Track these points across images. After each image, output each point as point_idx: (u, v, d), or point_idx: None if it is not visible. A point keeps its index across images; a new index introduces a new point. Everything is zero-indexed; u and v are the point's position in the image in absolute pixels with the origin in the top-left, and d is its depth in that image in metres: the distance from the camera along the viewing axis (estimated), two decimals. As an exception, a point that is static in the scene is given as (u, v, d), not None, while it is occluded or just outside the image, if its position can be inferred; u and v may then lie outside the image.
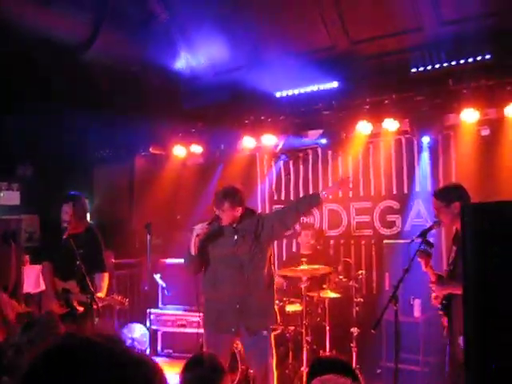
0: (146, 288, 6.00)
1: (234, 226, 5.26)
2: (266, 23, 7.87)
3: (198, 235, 5.17)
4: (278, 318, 5.52)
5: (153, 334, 8.32)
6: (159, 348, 8.65)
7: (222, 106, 8.66)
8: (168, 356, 8.46)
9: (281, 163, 8.99)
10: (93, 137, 8.93)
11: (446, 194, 4.85)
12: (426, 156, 7.71)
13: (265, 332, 5.21)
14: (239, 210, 5.23)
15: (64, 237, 5.54)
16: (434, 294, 4.81)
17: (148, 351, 6.75)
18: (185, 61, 8.62)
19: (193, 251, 5.22)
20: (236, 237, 5.25)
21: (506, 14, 6.53)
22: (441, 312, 4.75)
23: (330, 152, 8.38)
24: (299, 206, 5.48)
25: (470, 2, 6.61)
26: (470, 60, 6.71)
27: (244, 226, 5.28)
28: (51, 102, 7.60)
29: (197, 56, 8.66)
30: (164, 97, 8.63)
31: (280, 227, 5.43)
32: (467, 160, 7.24)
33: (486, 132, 7.13)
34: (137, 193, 9.66)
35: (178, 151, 9.14)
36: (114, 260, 8.47)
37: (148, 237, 5.76)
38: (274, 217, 5.58)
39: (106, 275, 6.06)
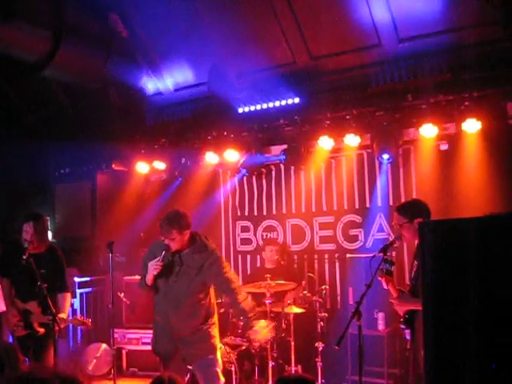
0: (109, 306, 5.92)
1: (181, 254, 5.23)
2: (227, 39, 7.90)
3: (154, 273, 5.19)
4: (217, 347, 5.42)
5: (117, 353, 8.21)
6: (124, 367, 8.53)
7: (185, 122, 8.67)
8: (133, 375, 8.35)
9: (244, 179, 9.01)
10: (53, 154, 8.83)
11: (409, 210, 4.92)
12: (387, 170, 7.81)
13: (209, 357, 5.25)
14: (187, 234, 5.22)
15: (25, 257, 5.45)
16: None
17: (113, 371, 6.65)
18: (147, 78, 8.59)
19: (149, 282, 5.28)
20: (178, 268, 5.24)
21: (464, 30, 6.67)
22: (403, 326, 4.79)
23: (292, 167, 8.42)
24: (237, 306, 5.43)
25: (427, 19, 6.74)
26: (429, 76, 6.83)
27: (192, 258, 5.24)
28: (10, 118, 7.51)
29: (159, 73, 8.64)
30: (126, 113, 8.59)
31: (215, 285, 5.43)
32: (427, 174, 7.35)
33: (444, 147, 7.24)
34: (99, 210, 9.55)
35: (141, 167, 9.07)
36: (76, 278, 8.37)
37: (110, 255, 5.70)
38: (220, 275, 5.31)
39: (69, 295, 6.02)
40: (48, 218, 6.19)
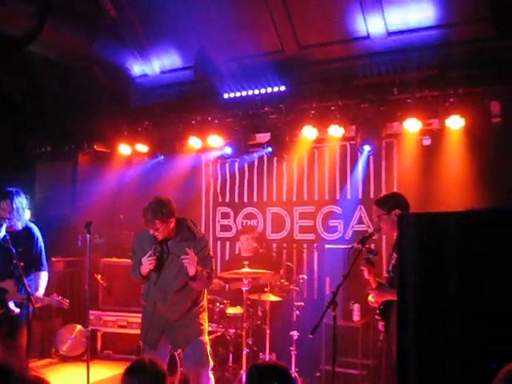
0: (86, 287, 5.89)
1: (168, 243, 5.21)
2: (216, 24, 7.84)
3: (151, 267, 5.15)
4: (206, 330, 5.40)
5: (92, 335, 8.19)
6: (99, 349, 8.52)
7: (169, 105, 8.61)
8: (107, 357, 8.34)
9: (226, 165, 8.99)
10: (35, 132, 8.74)
11: (387, 202, 4.94)
12: (369, 163, 7.84)
13: (198, 339, 5.25)
14: (172, 222, 5.16)
15: (0, 234, 5.39)
16: (370, 297, 4.88)
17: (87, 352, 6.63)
18: (133, 59, 8.51)
19: (145, 274, 5.23)
20: (166, 257, 5.21)
21: (453, 27, 6.69)
22: (378, 317, 4.83)
23: (275, 155, 8.41)
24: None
25: (417, 14, 6.76)
26: (415, 70, 6.84)
27: (178, 247, 5.17)
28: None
29: (145, 55, 8.57)
30: (111, 94, 8.51)
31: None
32: (409, 168, 7.39)
33: (427, 142, 7.28)
34: (80, 190, 9.48)
35: (123, 149, 9.01)
36: (54, 258, 8.31)
37: (88, 236, 5.66)
38: (202, 259, 5.18)
39: (46, 274, 5.94)
40: (27, 196, 6.09)
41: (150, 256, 5.08)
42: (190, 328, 5.26)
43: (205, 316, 5.42)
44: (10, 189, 5.81)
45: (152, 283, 5.27)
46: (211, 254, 5.38)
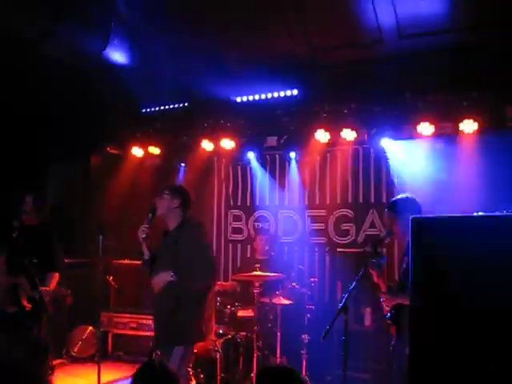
0: (98, 289, 5.92)
1: (168, 233, 5.16)
2: (228, 27, 7.85)
3: (143, 238, 5.09)
4: (189, 341, 4.99)
5: (103, 336, 8.22)
6: (109, 350, 8.54)
7: (182, 109, 8.62)
8: (118, 359, 8.36)
9: (238, 168, 9.00)
10: (48, 133, 8.78)
11: (399, 206, 4.91)
12: (381, 167, 7.81)
13: (175, 347, 4.85)
14: (176, 203, 5.09)
15: (14, 235, 5.47)
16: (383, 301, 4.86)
17: (97, 353, 6.65)
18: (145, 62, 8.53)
19: (145, 254, 5.19)
20: (164, 245, 5.16)
21: (466, 31, 6.66)
22: (389, 321, 4.80)
23: (287, 158, 8.42)
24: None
25: (430, 17, 6.73)
26: (428, 74, 6.81)
27: (171, 235, 5.11)
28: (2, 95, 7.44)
29: (158, 58, 8.58)
30: (123, 97, 8.52)
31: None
32: (421, 172, 7.35)
33: (440, 146, 7.25)
34: (92, 192, 9.51)
35: (136, 152, 9.05)
36: (66, 260, 8.33)
37: (100, 238, 5.69)
38: (188, 258, 4.92)
39: (57, 275, 5.97)
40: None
41: (144, 224, 5.05)
42: (169, 329, 4.96)
43: (195, 323, 4.96)
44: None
45: (153, 275, 5.09)
46: (205, 256, 5.01)
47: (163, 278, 4.95)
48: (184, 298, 4.95)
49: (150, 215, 5.09)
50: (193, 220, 5.26)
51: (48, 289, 5.72)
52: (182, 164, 8.84)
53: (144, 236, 5.07)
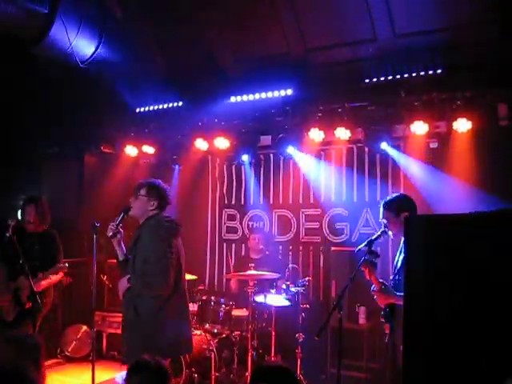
0: (92, 288, 5.90)
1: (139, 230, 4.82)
2: (224, 25, 7.85)
3: (111, 237, 4.87)
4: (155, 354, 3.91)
5: (97, 336, 8.21)
6: (104, 350, 8.53)
7: (176, 108, 8.60)
8: (112, 358, 8.34)
9: (233, 167, 9.00)
10: (42, 132, 8.76)
11: (395, 204, 4.92)
12: (375, 166, 7.83)
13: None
14: (153, 205, 4.82)
15: (8, 234, 5.53)
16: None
17: (92, 353, 6.64)
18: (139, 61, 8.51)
19: (119, 255, 4.95)
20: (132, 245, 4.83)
21: (461, 29, 6.66)
22: (383, 320, 4.81)
23: (281, 157, 8.42)
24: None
25: (425, 16, 6.73)
26: (422, 73, 6.81)
27: (136, 234, 4.82)
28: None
29: (150, 56, 8.56)
30: (116, 96, 8.50)
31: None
32: (415, 171, 7.37)
33: (434, 145, 7.27)
34: (86, 191, 9.49)
35: (130, 151, 9.03)
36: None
37: (94, 237, 5.67)
38: (144, 256, 4.65)
39: (58, 277, 6.29)
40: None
41: (113, 222, 4.82)
42: (129, 343, 4.68)
43: (155, 337, 4.52)
44: (32, 195, 6.51)
45: None
46: (158, 260, 4.56)
47: (122, 285, 4.71)
48: (141, 308, 4.62)
49: (122, 215, 4.83)
50: (158, 219, 4.82)
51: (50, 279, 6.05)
52: (176, 163, 8.81)
53: (111, 234, 4.82)
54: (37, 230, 6.25)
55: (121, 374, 5.09)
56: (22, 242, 5.67)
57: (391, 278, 4.98)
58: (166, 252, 4.59)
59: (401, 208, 4.82)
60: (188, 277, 5.64)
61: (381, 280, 4.79)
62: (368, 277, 4.77)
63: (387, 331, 4.79)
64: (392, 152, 7.53)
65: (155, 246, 4.61)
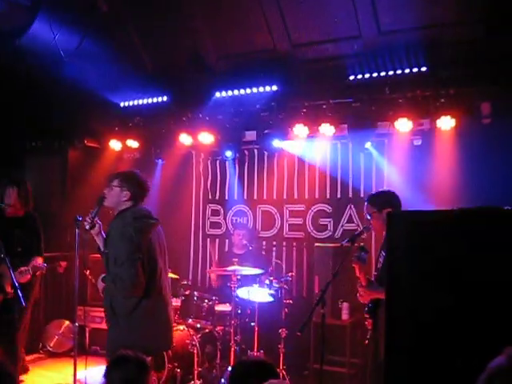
0: (74, 283, 5.87)
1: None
2: (209, 20, 7.84)
3: (89, 229, 4.70)
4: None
5: (80, 331, 8.16)
6: (86, 345, 8.48)
7: (161, 103, 8.58)
8: (95, 353, 8.30)
9: (217, 162, 8.99)
10: (25, 126, 8.69)
11: (378, 200, 4.93)
12: (359, 162, 7.85)
13: None
14: (126, 196, 4.66)
15: None
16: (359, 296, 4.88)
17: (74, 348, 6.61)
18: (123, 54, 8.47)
19: (101, 247, 4.78)
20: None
21: (444, 27, 6.69)
22: (366, 315, 4.83)
23: (266, 153, 8.43)
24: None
25: (407, 14, 6.76)
26: (407, 70, 6.84)
27: (108, 229, 4.69)
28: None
29: (135, 50, 8.52)
30: (100, 90, 8.46)
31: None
32: (399, 168, 7.41)
33: (418, 142, 7.31)
34: (70, 185, 9.43)
35: (114, 145, 8.99)
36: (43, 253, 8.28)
37: (77, 231, 5.64)
38: (112, 253, 4.57)
39: (41, 259, 6.21)
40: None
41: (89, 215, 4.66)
42: (108, 343, 4.64)
43: (131, 338, 4.43)
44: (17, 177, 6.26)
45: None
46: (123, 258, 4.42)
47: (100, 283, 4.66)
48: (117, 308, 4.57)
49: (97, 207, 4.69)
50: (133, 211, 4.66)
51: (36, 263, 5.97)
52: (160, 158, 8.78)
53: (88, 227, 4.65)
54: (17, 213, 6.05)
55: (85, 373, 5.03)
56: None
57: (374, 273, 5.01)
58: (135, 253, 4.42)
59: (385, 203, 4.83)
60: (170, 275, 5.57)
61: (367, 276, 4.82)
62: (358, 273, 4.79)
63: (370, 327, 4.81)
64: (376, 149, 7.56)
65: (124, 246, 4.44)
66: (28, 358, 8.03)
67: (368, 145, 7.30)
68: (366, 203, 5.01)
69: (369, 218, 4.93)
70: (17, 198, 5.96)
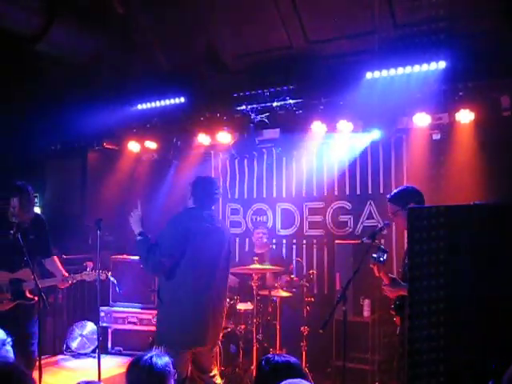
0: (96, 284, 5.91)
1: None
2: (224, 20, 7.84)
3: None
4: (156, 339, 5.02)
5: (103, 332, 8.24)
6: (109, 345, 8.55)
7: (178, 104, 8.60)
8: (118, 353, 8.37)
9: (235, 161, 8.99)
10: (45, 130, 8.76)
11: (401, 198, 4.85)
12: (378, 158, 7.81)
13: None
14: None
15: (12, 232, 5.45)
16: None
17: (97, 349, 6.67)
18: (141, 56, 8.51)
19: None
20: None
21: (462, 19, 6.63)
22: (393, 312, 4.78)
23: (284, 151, 8.41)
24: None
25: (425, 6, 6.70)
26: (424, 65, 6.79)
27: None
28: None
29: (151, 52, 8.55)
30: (118, 92, 8.51)
31: None
32: (418, 163, 7.36)
33: (437, 136, 7.25)
34: (90, 188, 9.51)
35: (132, 146, 9.04)
36: (64, 256, 8.34)
37: (98, 233, 5.67)
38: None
39: (56, 258, 6.05)
40: (36, 194, 6.22)
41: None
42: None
43: (166, 325, 4.91)
44: (18, 184, 5.91)
45: None
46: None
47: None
48: (161, 295, 5.00)
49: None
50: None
51: (68, 274, 5.85)
52: (179, 158, 8.82)
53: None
54: (24, 220, 5.84)
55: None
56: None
57: (400, 270, 4.96)
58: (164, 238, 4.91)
59: (408, 200, 4.74)
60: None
61: (390, 275, 4.76)
62: (377, 273, 4.73)
63: (398, 323, 4.77)
64: (395, 144, 7.51)
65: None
66: (52, 359, 8.12)
67: (386, 138, 7.25)
68: (388, 204, 4.92)
69: (392, 216, 4.86)
70: (19, 207, 5.80)
